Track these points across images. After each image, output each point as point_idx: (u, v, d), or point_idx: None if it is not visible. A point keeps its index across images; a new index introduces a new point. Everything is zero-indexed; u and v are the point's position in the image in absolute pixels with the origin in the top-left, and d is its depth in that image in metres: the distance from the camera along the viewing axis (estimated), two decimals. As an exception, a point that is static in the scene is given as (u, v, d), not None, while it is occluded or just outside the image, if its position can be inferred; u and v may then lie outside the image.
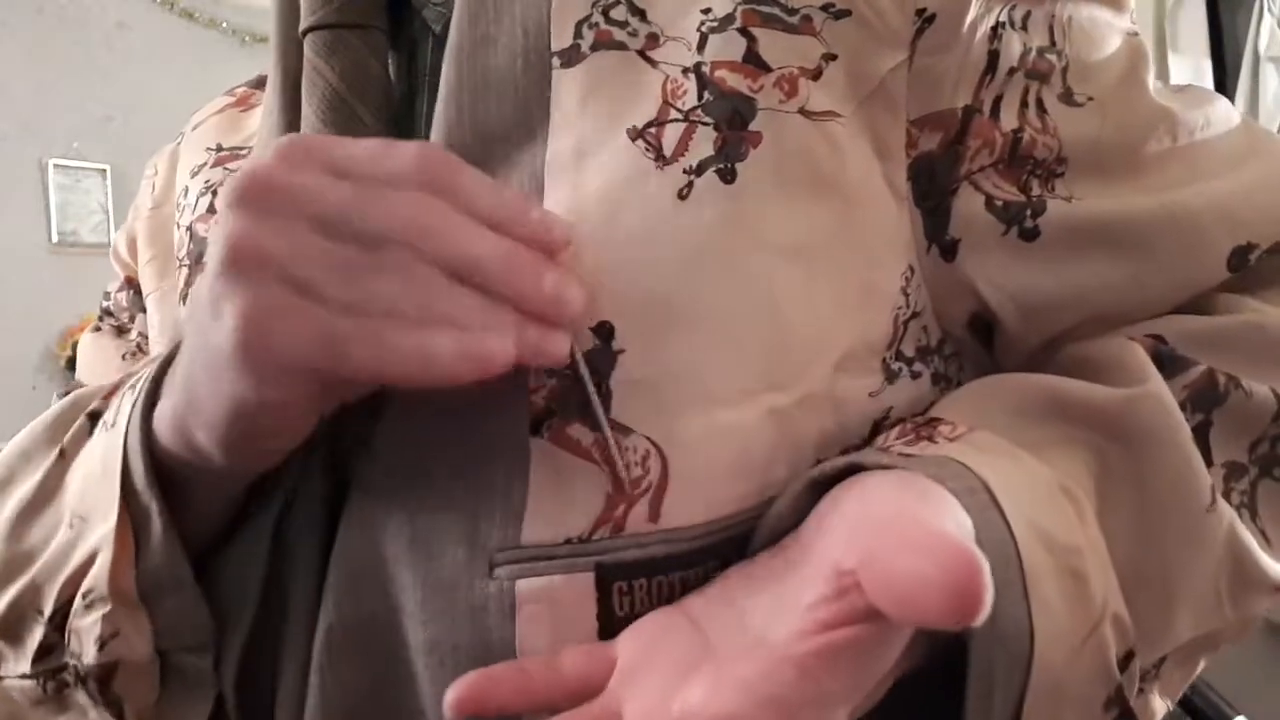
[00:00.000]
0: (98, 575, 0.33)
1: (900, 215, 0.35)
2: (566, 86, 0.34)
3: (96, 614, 0.33)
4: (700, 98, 0.33)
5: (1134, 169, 0.37)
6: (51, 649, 0.35)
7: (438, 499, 0.31)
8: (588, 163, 0.33)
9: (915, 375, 0.36)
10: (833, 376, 0.33)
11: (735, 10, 0.34)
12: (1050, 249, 0.36)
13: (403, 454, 0.32)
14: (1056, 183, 0.36)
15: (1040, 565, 0.28)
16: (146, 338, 0.49)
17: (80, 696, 0.35)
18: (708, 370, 0.31)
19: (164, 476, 0.33)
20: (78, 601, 0.34)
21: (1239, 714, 1.03)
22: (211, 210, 0.42)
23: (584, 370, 0.30)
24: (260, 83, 0.49)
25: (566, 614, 0.30)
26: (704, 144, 0.32)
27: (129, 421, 0.33)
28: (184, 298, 0.43)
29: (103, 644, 0.33)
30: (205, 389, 0.29)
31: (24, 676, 0.36)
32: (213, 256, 0.27)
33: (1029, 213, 0.36)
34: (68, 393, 0.49)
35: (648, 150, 0.33)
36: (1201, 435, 0.33)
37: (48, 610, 0.34)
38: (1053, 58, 0.36)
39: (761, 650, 0.25)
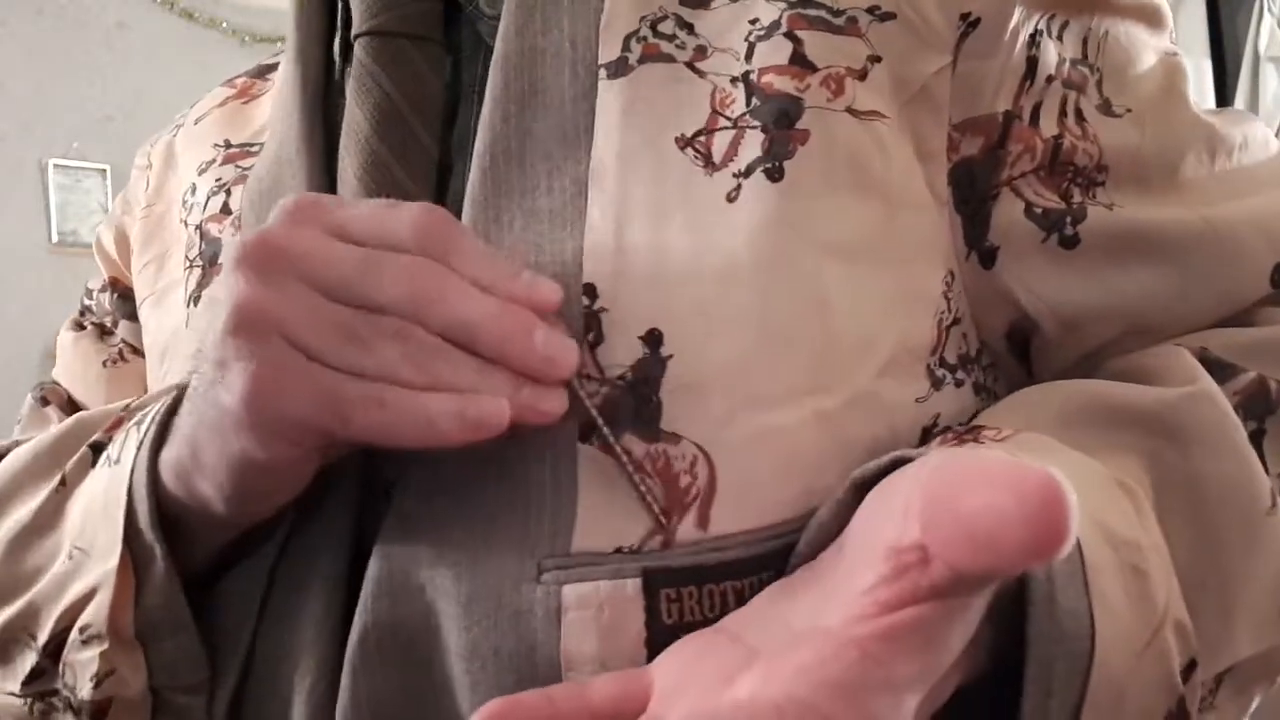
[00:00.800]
0: (96, 612, 0.33)
1: (940, 220, 0.35)
2: (611, 97, 0.34)
3: (93, 651, 0.33)
4: (749, 104, 0.33)
5: (1174, 183, 0.37)
6: (42, 673, 0.35)
7: (484, 505, 0.31)
8: (632, 169, 0.33)
9: (959, 383, 0.36)
10: (878, 380, 0.33)
11: (781, 16, 0.35)
12: (1090, 257, 0.36)
13: (448, 460, 0.32)
14: (1098, 191, 0.36)
15: (1101, 559, 0.26)
16: (130, 346, 0.49)
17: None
18: (755, 370, 0.31)
19: (166, 519, 0.33)
20: (74, 635, 0.34)
21: (1239, 714, 1.02)
22: (225, 210, 0.42)
23: (594, 413, 0.30)
24: (260, 72, 0.49)
25: (613, 621, 0.29)
26: (752, 147, 0.33)
27: (134, 463, 0.34)
28: (194, 299, 0.42)
29: (98, 681, 0.33)
30: (210, 446, 0.31)
31: (10, 694, 0.36)
32: (219, 319, 0.29)
33: (1069, 220, 0.36)
34: (44, 398, 0.49)
35: (696, 158, 0.33)
36: (1255, 444, 0.32)
37: (41, 638, 0.35)
38: (1085, 70, 0.37)
39: (817, 636, 0.24)
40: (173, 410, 0.34)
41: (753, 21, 0.35)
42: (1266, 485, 0.31)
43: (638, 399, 0.31)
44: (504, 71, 0.35)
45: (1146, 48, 0.38)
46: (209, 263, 0.42)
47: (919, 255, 0.35)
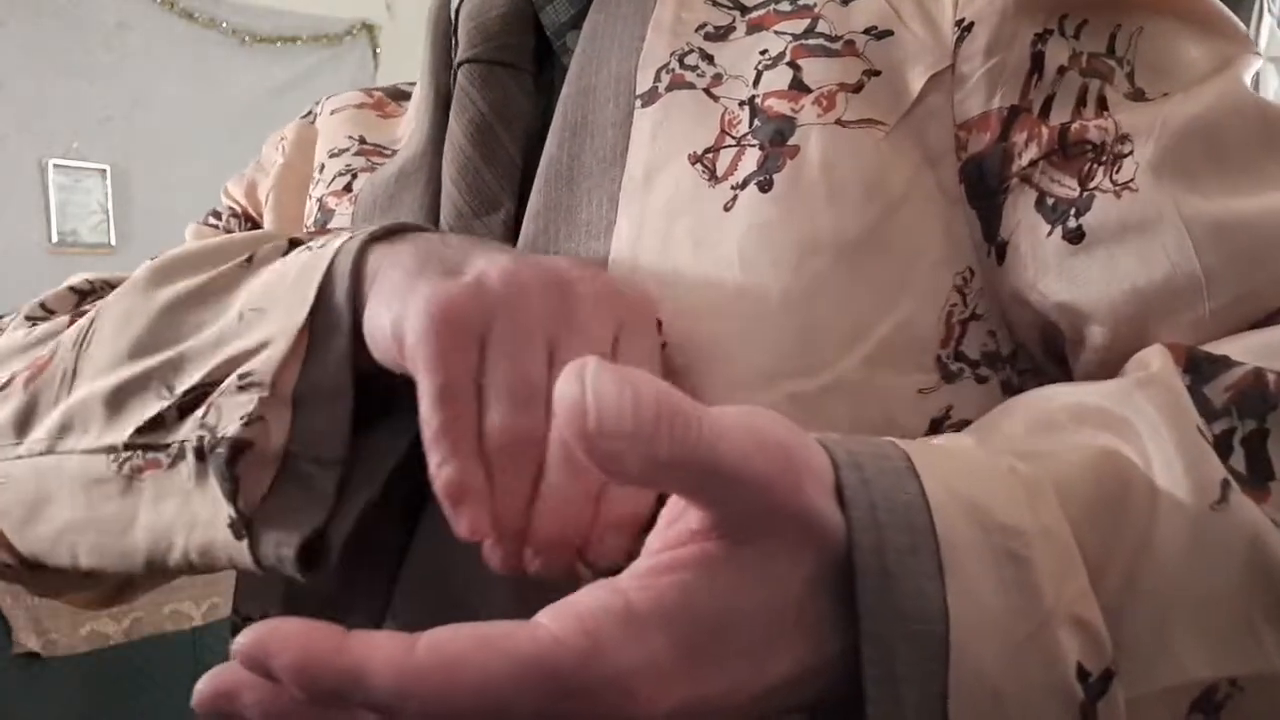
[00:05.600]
0: (264, 362, 0.34)
1: (954, 217, 0.37)
2: (643, 122, 0.39)
3: (251, 395, 0.33)
4: (751, 124, 0.37)
5: (1205, 160, 0.34)
6: (160, 423, 0.35)
7: None
8: (653, 184, 0.38)
9: (981, 379, 0.36)
10: (866, 367, 0.34)
11: (786, 48, 0.38)
12: (1097, 248, 0.34)
13: None
14: (1123, 163, 0.34)
15: (963, 539, 0.24)
16: None
17: (182, 473, 0.35)
18: (733, 356, 0.34)
19: (359, 304, 0.34)
20: (231, 381, 0.34)
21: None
22: (347, 189, 0.49)
23: None
24: (395, 94, 0.56)
25: None
26: (749, 163, 0.37)
27: (343, 245, 0.35)
28: None
29: (249, 421, 0.33)
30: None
31: (97, 450, 0.36)
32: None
33: (1074, 210, 0.35)
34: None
35: (703, 172, 0.37)
36: (1257, 446, 0.28)
37: (181, 387, 0.35)
38: (1111, 63, 0.36)
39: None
40: (393, 230, 0.36)
41: (763, 52, 0.39)
42: (1216, 477, 0.27)
43: None
44: (564, 107, 0.41)
45: (1193, 43, 0.37)
46: (319, 230, 0.48)
47: (924, 251, 0.36)
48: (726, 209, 0.36)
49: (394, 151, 0.49)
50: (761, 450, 0.23)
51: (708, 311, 0.35)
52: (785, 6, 0.40)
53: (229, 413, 0.34)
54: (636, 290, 0.35)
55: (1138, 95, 0.36)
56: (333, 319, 0.34)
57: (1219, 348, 0.31)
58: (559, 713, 0.22)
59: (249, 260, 0.38)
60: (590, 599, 0.23)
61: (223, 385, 0.34)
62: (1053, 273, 0.35)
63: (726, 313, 0.34)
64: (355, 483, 0.34)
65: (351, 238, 0.35)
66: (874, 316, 0.35)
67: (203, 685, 0.23)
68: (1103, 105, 0.35)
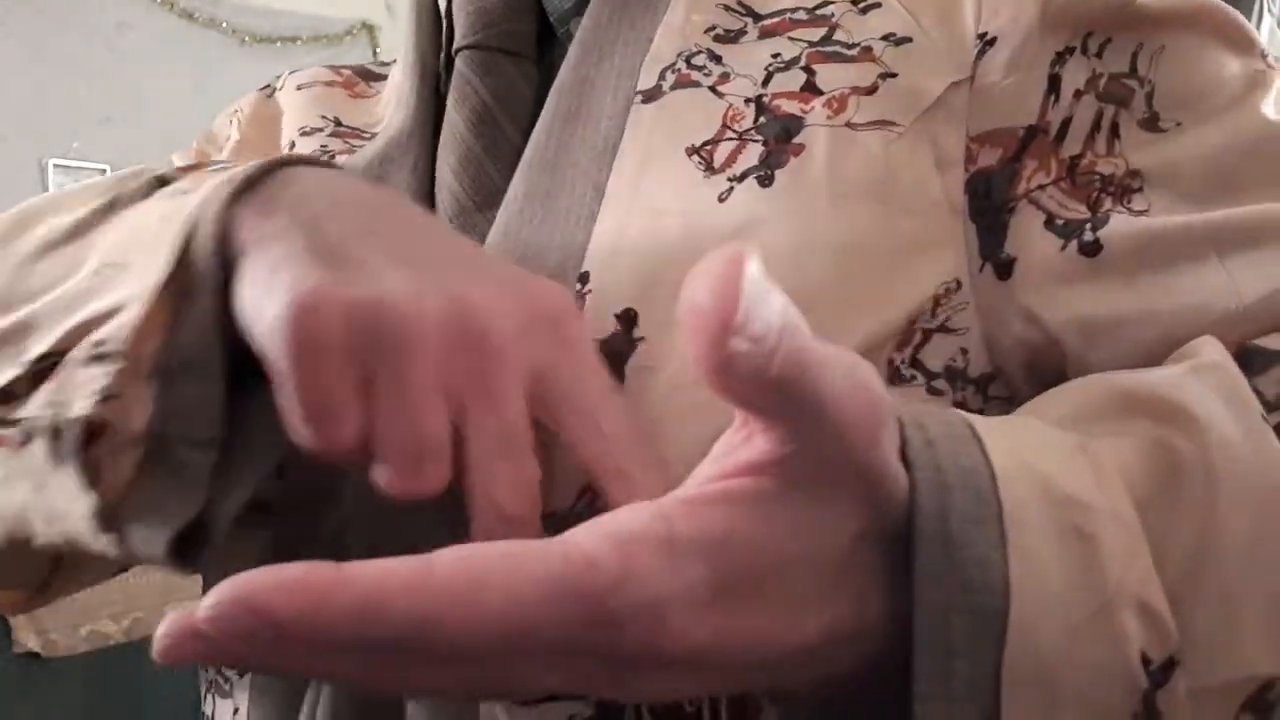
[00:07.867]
0: (118, 329, 0.28)
1: (954, 228, 0.36)
2: (642, 117, 0.38)
3: (105, 367, 0.28)
4: (756, 121, 0.36)
5: (1226, 187, 0.34)
6: (12, 398, 0.30)
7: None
8: (646, 177, 0.36)
9: (934, 391, 0.35)
10: None
11: (801, 54, 0.38)
12: (1117, 264, 0.34)
13: None
14: (1134, 197, 0.35)
15: (1028, 510, 0.23)
16: None
17: (35, 454, 0.29)
18: None
19: (227, 261, 0.29)
20: (82, 348, 0.29)
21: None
22: None
23: None
24: (365, 74, 0.53)
25: None
26: (750, 157, 0.36)
27: (210, 194, 0.30)
28: None
29: (104, 398, 0.28)
30: None
31: None
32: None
33: (1089, 226, 0.34)
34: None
35: (700, 164, 0.36)
36: None
37: (34, 352, 0.30)
38: (1132, 83, 0.36)
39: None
40: (271, 168, 0.31)
41: (775, 55, 0.38)
42: None
43: None
44: (558, 95, 0.40)
45: (1216, 62, 0.36)
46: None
47: (917, 258, 0.35)
48: (721, 200, 0.35)
49: (373, 135, 0.47)
50: (853, 392, 0.22)
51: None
52: (801, 15, 0.39)
53: (80, 388, 0.28)
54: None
55: (1151, 123, 0.35)
56: (197, 278, 0.29)
57: (1263, 343, 0.31)
58: (585, 639, 0.20)
59: (111, 204, 0.33)
60: (630, 521, 0.21)
61: (71, 355, 0.29)
62: (1070, 288, 0.35)
63: None
64: (240, 462, 0.29)
65: (219, 184, 0.30)
66: (854, 322, 0.34)
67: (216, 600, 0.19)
68: (1115, 135, 0.36)
